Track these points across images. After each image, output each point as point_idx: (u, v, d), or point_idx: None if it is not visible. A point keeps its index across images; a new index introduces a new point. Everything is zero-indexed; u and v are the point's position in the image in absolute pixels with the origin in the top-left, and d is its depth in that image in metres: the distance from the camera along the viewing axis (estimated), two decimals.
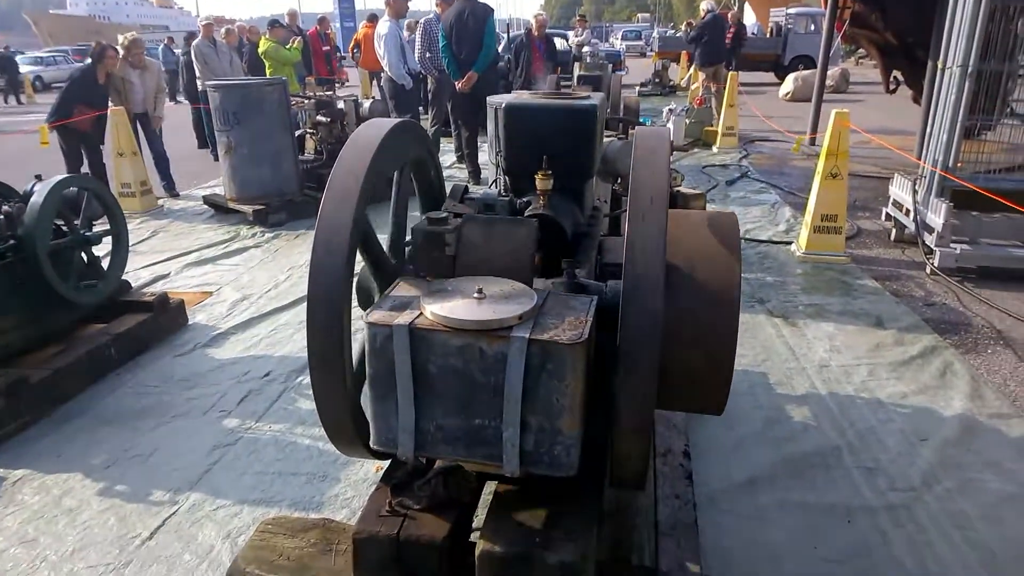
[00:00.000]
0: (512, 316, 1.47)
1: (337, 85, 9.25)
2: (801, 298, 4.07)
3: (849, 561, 2.08)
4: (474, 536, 1.74)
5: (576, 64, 10.27)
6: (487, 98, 2.50)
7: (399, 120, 1.91)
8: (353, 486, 2.43)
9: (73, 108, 5.93)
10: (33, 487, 2.47)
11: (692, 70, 13.51)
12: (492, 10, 6.74)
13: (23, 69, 21.05)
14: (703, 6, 10.93)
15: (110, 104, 6.35)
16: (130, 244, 3.79)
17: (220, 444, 2.70)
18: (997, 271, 4.32)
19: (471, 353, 1.46)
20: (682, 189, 3.33)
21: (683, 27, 15.10)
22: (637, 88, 15.92)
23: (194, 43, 8.34)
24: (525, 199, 2.17)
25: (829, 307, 3.94)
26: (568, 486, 1.65)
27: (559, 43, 13.44)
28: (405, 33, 8.22)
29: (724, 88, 9.19)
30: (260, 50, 8.97)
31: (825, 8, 8.76)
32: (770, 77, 18.34)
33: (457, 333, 1.46)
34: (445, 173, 2.96)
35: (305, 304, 1.60)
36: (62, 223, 3.31)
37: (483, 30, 6.52)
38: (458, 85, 6.70)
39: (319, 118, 6.45)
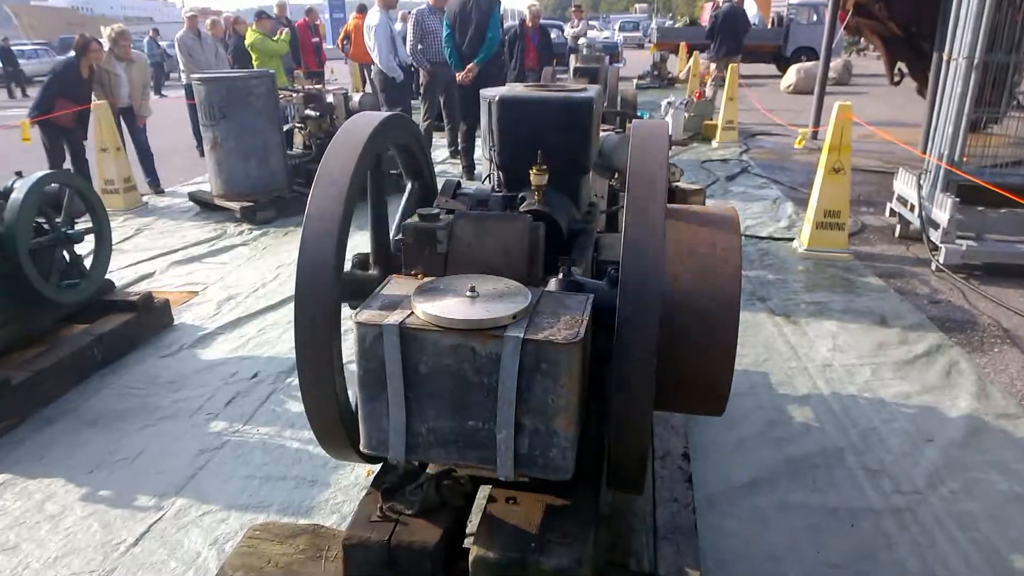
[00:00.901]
0: (506, 315, 1.45)
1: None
2: (803, 296, 4.04)
3: (852, 565, 2.05)
4: (468, 541, 1.71)
5: (572, 56, 10.21)
6: (480, 91, 2.45)
7: (389, 113, 1.89)
8: (343, 491, 2.39)
9: (55, 102, 5.84)
10: (15, 492, 2.42)
11: (692, 62, 13.44)
12: (498, 1, 6.64)
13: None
14: None
15: (94, 98, 6.25)
16: (114, 242, 3.75)
17: (207, 448, 2.65)
18: (1004, 268, 4.28)
19: (463, 353, 1.44)
20: (681, 184, 3.30)
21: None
22: (635, 80, 15.89)
23: (177, 35, 8.23)
24: (519, 195, 2.13)
25: (832, 305, 3.90)
26: (564, 489, 1.65)
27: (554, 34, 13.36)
28: (398, 25, 8.14)
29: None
30: (247, 42, 8.88)
31: None
32: (771, 69, 18.31)
33: (449, 333, 1.44)
34: (437, 169, 2.92)
35: (293, 303, 1.56)
36: (43, 221, 3.25)
37: (487, 22, 6.45)
38: (459, 76, 6.63)
39: (308, 112, 6.36)
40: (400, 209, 2.17)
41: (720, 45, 10.73)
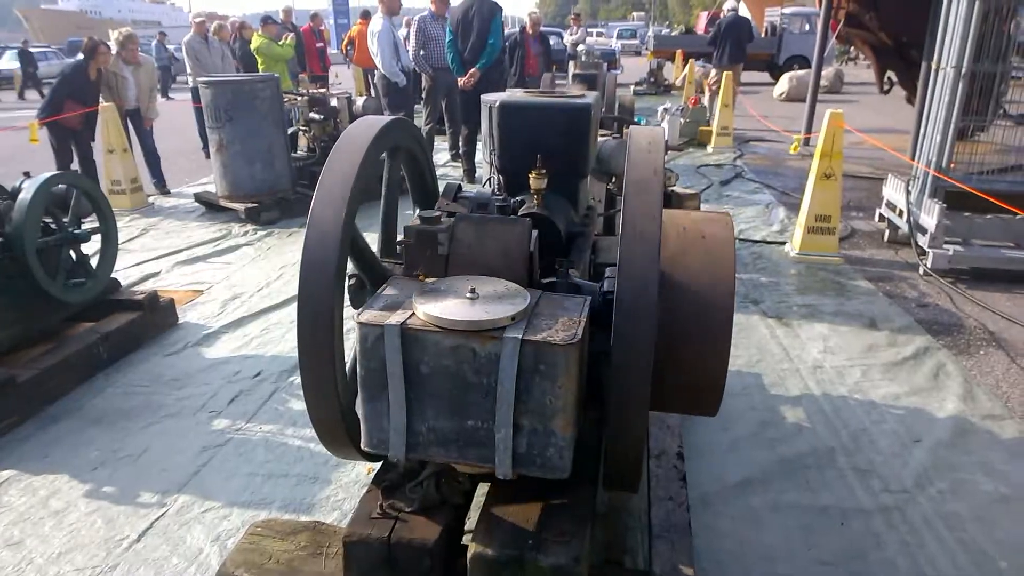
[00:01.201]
0: (505, 316, 1.46)
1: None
2: (795, 299, 4.08)
3: (843, 563, 2.07)
4: (466, 538, 1.72)
5: (571, 62, 10.27)
6: (481, 96, 2.49)
7: (392, 117, 1.90)
8: (344, 488, 2.41)
9: (63, 104, 5.87)
10: (20, 488, 2.44)
11: (688, 69, 13.50)
12: (500, 8, 6.68)
13: (13, 65, 20.85)
14: (726, 5, 10.94)
15: (101, 100, 6.28)
16: (120, 242, 3.77)
17: (210, 445, 2.67)
18: (990, 272, 4.33)
19: (463, 354, 1.45)
20: (676, 189, 3.33)
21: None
22: (632, 87, 15.94)
23: (185, 39, 8.27)
24: (519, 198, 2.16)
25: (823, 308, 3.94)
26: (561, 488, 1.65)
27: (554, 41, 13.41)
28: (401, 31, 8.18)
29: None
30: (252, 46, 8.91)
31: (820, 8, 8.78)
32: (764, 77, 18.40)
33: (449, 333, 1.45)
34: (439, 172, 2.95)
35: (296, 303, 1.58)
36: (51, 221, 3.27)
37: (488, 29, 6.50)
38: (461, 82, 6.68)
39: (312, 115, 6.41)
40: (383, 198, 2.11)
41: (723, 53, 10.81)
